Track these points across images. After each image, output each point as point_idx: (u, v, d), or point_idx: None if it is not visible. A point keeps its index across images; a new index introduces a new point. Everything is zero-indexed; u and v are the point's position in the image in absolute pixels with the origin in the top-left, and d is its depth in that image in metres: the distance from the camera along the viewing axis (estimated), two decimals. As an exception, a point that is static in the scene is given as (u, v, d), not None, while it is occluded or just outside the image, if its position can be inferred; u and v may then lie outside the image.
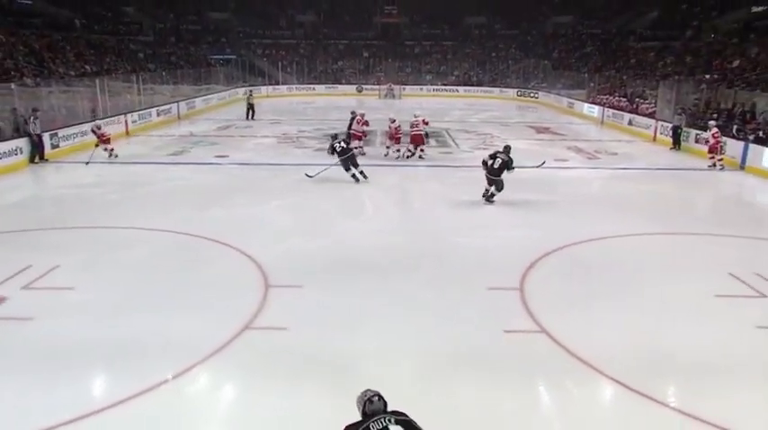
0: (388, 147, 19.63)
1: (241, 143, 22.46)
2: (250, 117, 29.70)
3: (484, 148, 21.12)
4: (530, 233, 11.37)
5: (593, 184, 16.42)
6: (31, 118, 17.70)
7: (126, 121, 24.20)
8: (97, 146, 18.61)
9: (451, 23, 53.76)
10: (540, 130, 26.67)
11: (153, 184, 15.85)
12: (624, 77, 32.96)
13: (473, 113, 32.96)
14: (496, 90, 44.32)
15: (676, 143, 21.15)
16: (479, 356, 6.97)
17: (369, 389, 4.52)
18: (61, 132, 19.57)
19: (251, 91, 33.56)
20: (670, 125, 21.75)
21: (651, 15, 44.30)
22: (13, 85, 20.41)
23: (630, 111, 27.02)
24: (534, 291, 8.69)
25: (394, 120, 19.01)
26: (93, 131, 19.11)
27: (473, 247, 10.62)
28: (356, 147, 17.82)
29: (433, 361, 6.92)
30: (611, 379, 6.50)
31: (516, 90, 43.55)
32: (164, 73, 32.94)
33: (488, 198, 13.57)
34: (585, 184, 16.31)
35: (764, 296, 8.67)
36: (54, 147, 18.85)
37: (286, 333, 7.49)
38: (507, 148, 13.82)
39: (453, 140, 23.36)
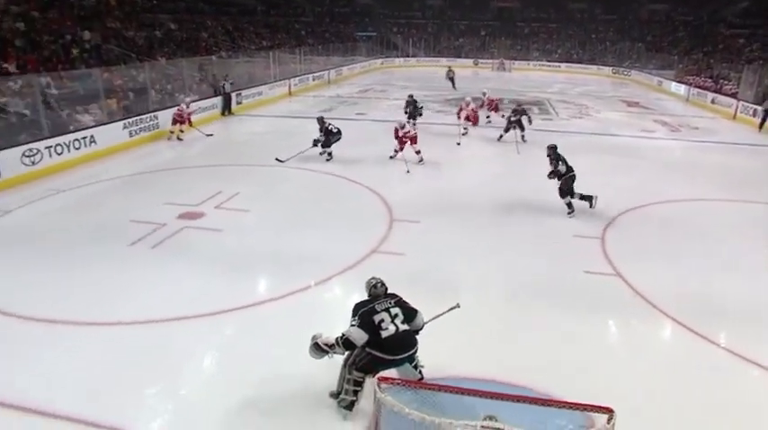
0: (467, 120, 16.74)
1: (377, 104, 22.64)
2: (453, 87, 27.87)
3: (579, 117, 20.23)
4: (614, 192, 10.80)
5: (674, 153, 15.22)
6: (224, 82, 19.01)
7: (289, 84, 25.02)
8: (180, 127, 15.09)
9: (557, 8, 50.48)
10: (630, 104, 24.79)
11: (309, 134, 16.41)
12: (711, 61, 29.84)
13: (572, 87, 31.12)
14: (594, 67, 41.32)
15: (762, 124, 18.31)
16: (559, 289, 6.90)
17: (374, 277, 4.74)
18: (244, 92, 20.56)
19: (449, 67, 30.58)
20: (759, 108, 18.80)
21: (742, 4, 39.48)
22: (213, 57, 21.70)
23: (714, 91, 24.33)
24: (613, 241, 8.41)
25: (469, 103, 18.01)
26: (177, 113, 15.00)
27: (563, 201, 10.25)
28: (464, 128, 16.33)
29: (517, 289, 6.93)
30: (673, 319, 6.30)
31: (611, 68, 40.38)
32: (319, 46, 33.42)
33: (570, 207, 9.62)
34: (668, 153, 15.13)
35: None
36: (238, 103, 19.89)
37: (403, 257, 7.73)
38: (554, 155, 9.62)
39: (554, 109, 22.29)
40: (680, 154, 15.24)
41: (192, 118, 15.46)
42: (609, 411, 3.07)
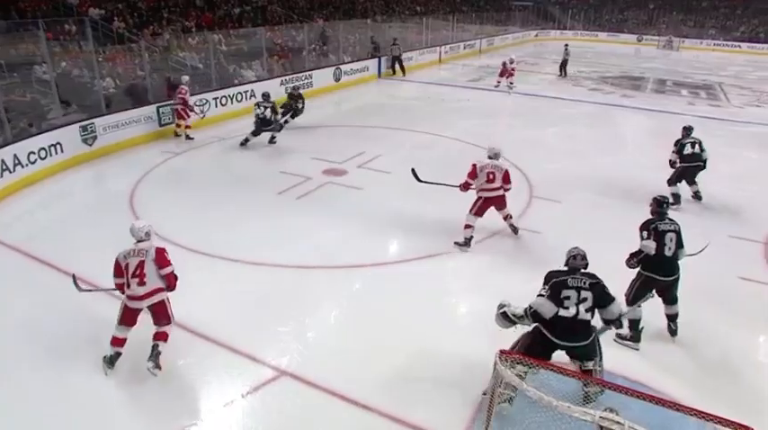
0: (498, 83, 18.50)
1: (527, 77, 21.79)
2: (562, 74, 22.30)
3: (757, 106, 17.89)
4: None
5: None
6: (393, 46, 19.89)
7: (440, 51, 24.88)
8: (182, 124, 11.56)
9: (745, -22, 44.32)
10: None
11: (454, 102, 16.37)
12: None
13: (752, 70, 27.30)
14: None
15: None
16: (709, 291, 6.18)
17: (577, 247, 4.40)
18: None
19: (566, 45, 23.17)
20: None
21: None
22: (368, 21, 22.23)
23: None
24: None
25: (512, 60, 18.06)
26: None
27: (721, 196, 9.15)
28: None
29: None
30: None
31: None
32: (473, 14, 32.78)
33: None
34: None
35: None
36: (388, 68, 20.24)
37: (539, 236, 7.53)
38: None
39: (725, 94, 19.87)
40: None
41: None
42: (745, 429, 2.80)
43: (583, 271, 4.28)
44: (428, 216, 7.96)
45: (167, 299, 4.77)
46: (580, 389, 3.69)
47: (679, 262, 5.13)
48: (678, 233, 5.10)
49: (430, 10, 30.85)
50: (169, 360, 4.74)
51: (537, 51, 31.98)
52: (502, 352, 3.27)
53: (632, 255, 5.12)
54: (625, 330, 5.13)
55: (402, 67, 20.19)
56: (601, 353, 4.35)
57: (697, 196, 8.62)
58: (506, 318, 4.29)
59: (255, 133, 10.85)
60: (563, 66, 22.10)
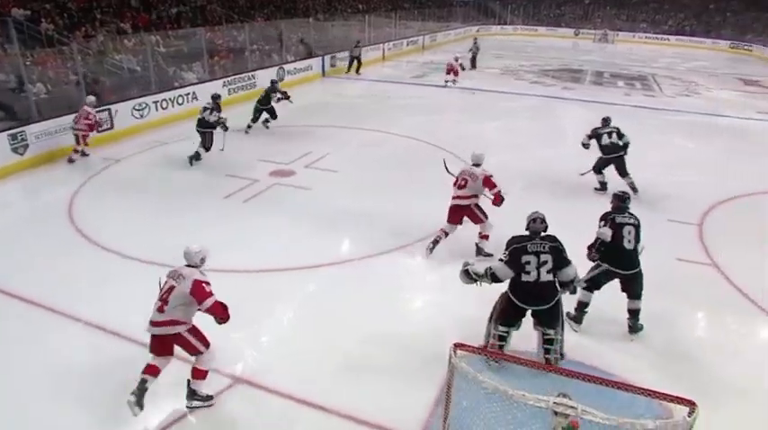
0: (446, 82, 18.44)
1: (470, 72, 22.11)
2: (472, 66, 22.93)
3: (687, 95, 18.78)
4: (716, 176, 10.12)
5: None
6: (354, 48, 20.29)
7: (383, 49, 24.93)
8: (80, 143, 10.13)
9: (672, -27, 46.51)
10: (748, 83, 22.50)
11: (399, 99, 16.44)
12: None
13: (681, 62, 28.67)
14: (708, 41, 37.05)
15: None
16: (648, 274, 6.50)
17: (537, 211, 4.74)
18: (339, 55, 20.71)
19: (475, 39, 25.75)
20: None
21: None
22: (310, 20, 22.01)
23: None
24: (712, 229, 7.85)
25: (457, 59, 18.53)
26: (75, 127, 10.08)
27: (660, 182, 9.59)
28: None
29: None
30: (769, 313, 5.84)
31: (729, 42, 36.14)
32: (415, 11, 32.98)
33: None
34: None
35: None
36: (332, 66, 20.12)
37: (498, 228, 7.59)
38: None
39: (658, 85, 20.79)
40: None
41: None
42: (691, 405, 2.93)
43: (543, 234, 4.61)
44: (378, 213, 7.98)
45: (188, 332, 4.27)
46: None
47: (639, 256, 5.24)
48: (637, 227, 5.23)
49: (372, 7, 30.84)
50: (119, 375, 4.57)
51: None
52: (456, 345, 3.30)
53: (590, 247, 5.23)
54: (571, 311, 5.38)
55: (359, 66, 20.32)
56: (563, 323, 4.69)
57: (633, 188, 8.72)
58: (468, 276, 4.69)
59: (206, 145, 10.08)
60: (473, 59, 22.65)
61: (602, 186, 8.91)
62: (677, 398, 2.98)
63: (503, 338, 4.68)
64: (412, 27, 30.27)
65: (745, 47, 34.87)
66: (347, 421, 4.24)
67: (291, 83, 17.37)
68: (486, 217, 6.82)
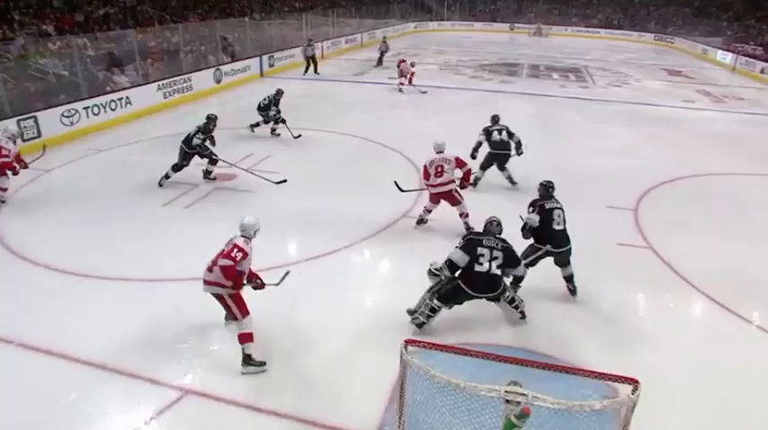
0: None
1: (376, 70, 22.03)
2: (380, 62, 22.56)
3: (618, 86, 19.57)
4: (648, 163, 10.61)
5: (716, 125, 14.62)
6: (307, 47, 19.52)
7: (322, 47, 24.72)
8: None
9: (600, -30, 48.38)
10: (672, 73, 23.72)
11: (340, 97, 16.37)
12: (764, 27, 28.03)
13: (611, 54, 29.87)
14: (635, 34, 39.08)
15: None
16: (590, 260, 6.51)
17: (494, 216, 5.33)
18: (276, 55, 20.40)
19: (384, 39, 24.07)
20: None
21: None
22: (246, 19, 21.55)
23: (765, 60, 22.91)
24: (647, 214, 8.24)
25: (413, 63, 17.61)
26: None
27: (597, 170, 10.02)
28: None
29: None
30: (704, 294, 6.20)
31: (654, 35, 38.24)
32: (353, 9, 32.91)
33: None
34: (709, 125, 14.59)
35: None
36: (270, 65, 19.80)
37: (435, 223, 7.66)
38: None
39: (591, 77, 21.58)
40: (722, 126, 14.66)
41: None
42: (634, 382, 3.06)
43: (497, 236, 5.19)
44: (323, 213, 7.94)
45: (229, 296, 4.71)
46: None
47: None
48: (563, 210, 5.85)
49: (309, 6, 30.57)
50: (57, 397, 4.36)
51: (416, 43, 32.69)
52: (407, 341, 3.31)
53: (522, 229, 5.74)
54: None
55: (315, 65, 19.81)
56: (512, 287, 5.54)
57: (511, 181, 9.04)
58: (432, 274, 5.16)
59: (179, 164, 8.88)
60: (380, 58, 22.38)
61: (475, 182, 8.79)
62: (621, 377, 3.10)
63: (434, 311, 5.16)
64: (350, 25, 30.18)
65: (668, 39, 36.84)
66: (301, 425, 4.19)
67: (230, 84, 17.03)
68: (463, 197, 7.38)
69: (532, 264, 5.80)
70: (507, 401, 2.92)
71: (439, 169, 7.10)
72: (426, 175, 7.19)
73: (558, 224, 5.73)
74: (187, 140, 8.74)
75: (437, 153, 7.23)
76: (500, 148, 8.86)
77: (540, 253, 5.75)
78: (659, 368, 4.83)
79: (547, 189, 5.93)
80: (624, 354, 5.06)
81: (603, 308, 5.90)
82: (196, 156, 8.88)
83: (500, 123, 9.05)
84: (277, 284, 4.97)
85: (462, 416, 3.19)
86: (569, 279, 5.96)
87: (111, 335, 5.19)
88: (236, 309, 4.73)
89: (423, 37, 37.06)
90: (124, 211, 7.97)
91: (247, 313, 4.76)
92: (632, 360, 4.93)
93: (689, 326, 5.90)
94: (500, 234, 5.22)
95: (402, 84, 17.22)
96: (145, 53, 15.20)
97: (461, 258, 5.01)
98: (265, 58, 19.49)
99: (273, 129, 11.97)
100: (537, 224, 5.65)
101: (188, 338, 5.21)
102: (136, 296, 5.88)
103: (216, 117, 8.95)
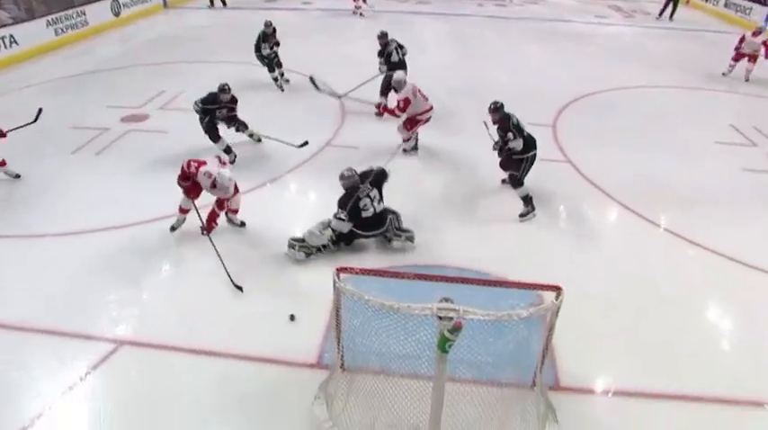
0: None
1: None
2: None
3: (534, 3, 19.54)
4: (564, 79, 10.86)
5: (625, 40, 15.04)
6: None
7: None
8: None
9: None
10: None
11: (251, 26, 15.49)
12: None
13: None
14: None
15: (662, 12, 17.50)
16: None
17: (348, 169, 5.43)
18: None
19: None
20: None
21: None
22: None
23: None
24: (564, 129, 8.54)
25: None
26: None
27: (515, 87, 10.07)
28: None
29: (467, 176, 7.11)
30: (618, 202, 6.60)
31: None
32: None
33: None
34: (619, 39, 14.99)
35: (755, 145, 8.35)
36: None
37: (356, 151, 7.68)
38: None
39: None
40: (631, 40, 15.09)
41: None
42: (557, 289, 3.25)
43: (361, 176, 5.38)
44: (245, 150, 7.69)
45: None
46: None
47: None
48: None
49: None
50: None
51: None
52: (339, 269, 3.35)
53: (500, 149, 6.11)
54: (523, 209, 6.22)
55: None
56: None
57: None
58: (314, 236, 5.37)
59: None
60: None
61: (378, 107, 8.40)
62: (545, 285, 3.29)
63: (325, 248, 5.40)
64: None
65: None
66: (242, 361, 4.23)
67: (130, 17, 15.73)
68: None
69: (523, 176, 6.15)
70: (440, 318, 3.04)
71: (422, 93, 7.32)
72: (406, 106, 7.11)
73: (525, 129, 6.10)
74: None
75: (405, 83, 7.27)
76: (403, 67, 8.56)
77: (526, 163, 6.11)
78: (580, 275, 5.16)
79: (503, 106, 6.12)
80: (548, 263, 5.35)
81: (527, 223, 6.17)
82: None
83: (390, 39, 8.76)
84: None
85: (399, 335, 3.29)
86: (529, 200, 6.24)
87: (34, 296, 4.97)
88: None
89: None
90: (28, 164, 7.33)
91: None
92: (555, 268, 5.22)
93: (606, 233, 6.28)
94: (360, 173, 5.43)
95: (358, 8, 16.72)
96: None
97: (347, 227, 5.30)
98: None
99: (276, 79, 10.19)
100: (521, 147, 5.97)
101: (114, 290, 5.05)
102: (56, 253, 5.59)
103: (226, 87, 7.52)
